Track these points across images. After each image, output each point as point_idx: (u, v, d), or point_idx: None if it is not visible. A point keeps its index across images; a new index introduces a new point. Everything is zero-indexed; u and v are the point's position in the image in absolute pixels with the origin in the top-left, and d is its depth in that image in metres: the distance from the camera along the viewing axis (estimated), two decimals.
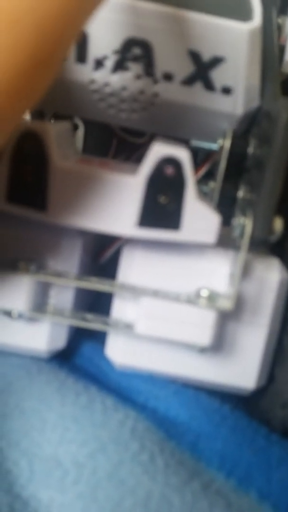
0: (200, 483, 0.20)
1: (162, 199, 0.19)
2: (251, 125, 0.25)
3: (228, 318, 0.24)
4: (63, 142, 0.22)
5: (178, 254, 0.23)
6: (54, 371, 0.26)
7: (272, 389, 0.25)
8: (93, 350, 0.29)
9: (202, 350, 0.24)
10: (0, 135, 0.17)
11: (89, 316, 0.24)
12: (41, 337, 0.25)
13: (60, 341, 0.26)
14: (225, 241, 0.24)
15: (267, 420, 0.25)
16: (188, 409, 0.25)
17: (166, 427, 0.24)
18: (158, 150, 0.18)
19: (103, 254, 0.28)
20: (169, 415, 0.25)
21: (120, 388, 0.26)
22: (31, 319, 0.25)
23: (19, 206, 0.20)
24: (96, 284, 0.22)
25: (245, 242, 0.21)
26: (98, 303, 0.28)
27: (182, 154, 0.19)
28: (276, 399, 0.25)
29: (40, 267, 0.23)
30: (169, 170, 0.18)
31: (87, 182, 0.19)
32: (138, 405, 0.25)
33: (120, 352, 0.25)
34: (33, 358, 0.27)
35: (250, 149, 0.24)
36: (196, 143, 0.24)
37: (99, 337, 0.29)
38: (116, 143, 0.31)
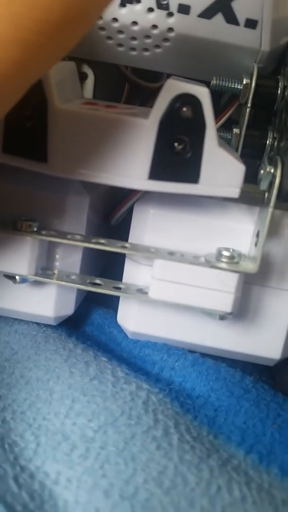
0: (217, 460, 0.20)
1: (178, 146, 0.17)
2: (280, 63, 0.23)
3: (252, 282, 0.23)
4: (65, 83, 0.20)
5: (197, 210, 0.22)
6: (62, 339, 0.25)
7: None
8: (104, 317, 0.28)
9: (223, 317, 0.23)
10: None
11: (98, 280, 0.23)
12: (47, 303, 0.25)
13: (68, 308, 0.25)
14: (250, 196, 0.22)
15: None
16: (207, 380, 0.24)
17: (182, 400, 0.23)
18: (173, 86, 0.17)
19: (113, 215, 0.27)
20: (185, 387, 0.24)
21: (133, 358, 0.26)
22: (36, 284, 0.24)
23: (17, 156, 0.19)
24: (105, 246, 0.21)
25: (273, 195, 0.19)
26: (110, 270, 0.27)
27: (201, 91, 0.17)
28: None
29: (44, 227, 0.22)
30: (186, 110, 0.17)
31: (91, 127, 0.18)
32: (151, 376, 0.24)
33: (132, 319, 0.25)
34: (40, 326, 0.26)
35: (280, 90, 0.22)
36: (217, 84, 0.22)
37: (111, 304, 0.29)
38: (129, 89, 0.30)
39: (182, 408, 0.22)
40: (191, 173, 0.18)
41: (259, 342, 0.24)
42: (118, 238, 0.23)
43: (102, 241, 0.22)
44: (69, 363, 0.23)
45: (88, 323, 0.28)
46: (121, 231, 0.25)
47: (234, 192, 0.19)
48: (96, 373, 0.23)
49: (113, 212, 0.27)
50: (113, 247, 0.21)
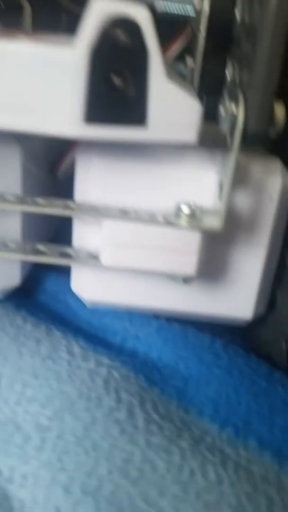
0: (189, 439, 0.18)
1: (117, 81, 0.14)
2: None
3: (218, 239, 0.20)
4: None
5: (148, 160, 0.19)
6: (8, 315, 0.22)
7: (273, 318, 0.23)
8: (58, 283, 0.26)
9: (187, 281, 0.20)
10: None
11: (42, 246, 0.20)
12: None
13: (13, 278, 0.23)
14: (210, 140, 0.19)
15: (268, 355, 0.23)
16: (174, 348, 0.22)
17: (147, 372, 0.21)
18: (102, 8, 0.13)
19: (59, 166, 0.24)
20: (151, 357, 0.22)
21: (93, 329, 0.23)
22: None
23: None
24: (43, 207, 0.18)
25: (237, 137, 0.17)
26: (63, 234, 0.24)
27: (139, 13, 0.14)
28: (278, 329, 0.22)
29: None
30: (122, 37, 0.14)
31: (7, 63, 0.14)
32: (114, 347, 0.22)
33: (87, 286, 0.22)
34: None
35: (238, 13, 0.19)
36: (165, 7, 0.19)
37: (65, 268, 0.26)
38: (66, 19, 0.26)
39: (148, 382, 0.20)
40: (135, 115, 0.15)
41: (229, 302, 0.22)
42: (70, 194, 0.20)
43: (40, 201, 0.18)
44: (18, 342, 0.21)
45: (40, 291, 0.26)
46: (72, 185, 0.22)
47: (190, 136, 0.16)
48: (49, 351, 0.20)
49: (58, 162, 0.24)
50: (54, 208, 0.18)
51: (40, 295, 0.26)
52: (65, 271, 0.25)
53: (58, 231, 0.27)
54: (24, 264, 0.23)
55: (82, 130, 0.15)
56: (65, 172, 0.25)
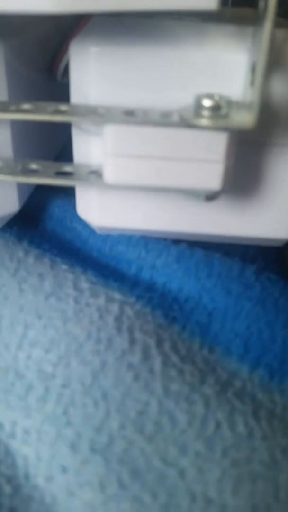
0: (214, 385, 0.15)
1: None
2: None
3: (249, 142, 0.16)
4: None
5: (160, 40, 0.15)
6: (9, 246, 0.20)
7: None
8: (65, 208, 0.22)
9: (210, 198, 0.17)
10: None
11: (34, 164, 0.16)
12: None
13: (10, 203, 0.20)
14: (238, 17, 0.15)
15: None
16: (197, 278, 0.19)
17: (166, 307, 0.18)
18: None
19: (56, 65, 0.20)
20: (170, 289, 0.19)
21: (104, 258, 0.20)
22: None
23: None
24: (29, 113, 0.14)
25: (271, 10, 0.12)
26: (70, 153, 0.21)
27: None
28: None
29: None
30: None
31: None
32: (128, 279, 0.19)
33: (94, 210, 0.19)
34: None
35: None
36: None
37: (73, 192, 0.23)
38: None
39: (167, 318, 0.18)
40: None
41: (262, 221, 0.19)
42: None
43: (26, 106, 0.15)
44: (19, 278, 0.18)
45: (48, 217, 0.23)
46: None
47: (210, 2, 0.12)
48: (53, 287, 0.18)
49: (55, 61, 0.20)
50: (41, 114, 0.15)
51: (46, 223, 0.23)
52: (72, 195, 0.22)
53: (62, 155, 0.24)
54: (22, 187, 0.20)
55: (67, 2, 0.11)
56: (62, 72, 0.21)
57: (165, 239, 0.20)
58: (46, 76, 0.22)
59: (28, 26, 0.20)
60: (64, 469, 0.14)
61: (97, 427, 0.14)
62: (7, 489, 0.14)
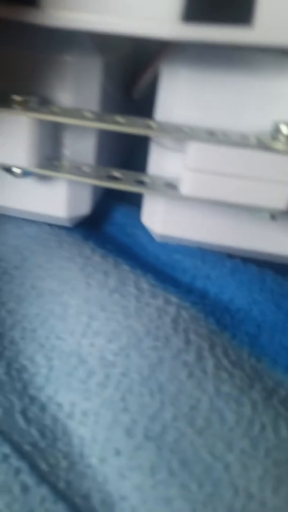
0: (261, 391, 0.17)
1: None
2: None
3: None
4: None
5: (245, 70, 0.16)
6: (77, 244, 0.21)
7: None
8: (127, 216, 0.24)
9: (274, 217, 0.18)
10: None
11: (117, 173, 0.18)
12: (59, 201, 0.21)
13: (84, 206, 0.21)
14: None
15: None
16: (249, 291, 0.20)
17: (218, 315, 0.19)
18: None
19: (136, 84, 0.22)
20: (222, 299, 0.20)
21: (160, 265, 0.22)
22: (44, 178, 0.20)
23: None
24: (123, 126, 0.16)
25: None
26: (134, 160, 0.22)
27: None
28: None
29: (45, 103, 0.17)
30: None
31: None
32: (182, 287, 0.21)
33: (160, 219, 0.20)
34: (52, 228, 0.22)
35: None
36: None
37: (135, 200, 0.24)
38: None
39: (219, 325, 0.19)
40: (241, 12, 0.12)
41: None
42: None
43: (120, 119, 0.16)
44: (86, 273, 0.20)
45: (109, 223, 0.24)
46: (149, 110, 0.20)
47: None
48: (117, 285, 0.19)
49: (136, 80, 0.21)
50: (134, 127, 0.16)
51: (108, 228, 0.24)
52: (135, 204, 0.24)
53: (127, 162, 0.25)
54: (95, 192, 0.22)
55: (180, 30, 0.13)
56: (141, 93, 0.23)
57: (220, 253, 0.21)
58: (122, 92, 0.23)
59: (115, 45, 0.22)
60: (117, 452, 0.15)
61: (152, 416, 0.16)
62: (64, 463, 0.15)
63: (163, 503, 0.14)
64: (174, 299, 0.19)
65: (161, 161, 0.19)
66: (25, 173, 0.19)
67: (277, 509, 0.14)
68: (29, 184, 0.20)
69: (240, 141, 0.16)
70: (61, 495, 0.14)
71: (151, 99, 0.20)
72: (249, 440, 0.15)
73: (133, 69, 0.22)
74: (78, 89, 0.18)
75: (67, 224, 0.22)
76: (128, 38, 0.24)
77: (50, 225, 0.22)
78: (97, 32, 0.14)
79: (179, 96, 0.17)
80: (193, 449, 0.15)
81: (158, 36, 0.13)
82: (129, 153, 0.26)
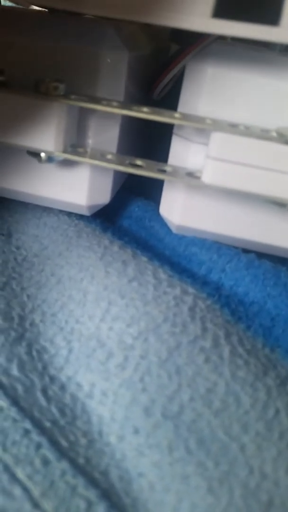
0: (275, 378, 0.17)
1: None
2: None
3: None
4: None
5: (268, 68, 0.17)
6: (96, 234, 0.22)
7: None
8: (144, 209, 0.25)
9: None
10: None
11: (139, 161, 0.19)
12: (80, 188, 0.22)
13: (104, 195, 0.22)
14: None
15: None
16: (263, 285, 0.21)
17: (233, 307, 0.20)
18: None
19: (157, 84, 0.23)
20: (237, 292, 0.21)
21: (177, 257, 0.23)
22: (66, 165, 0.21)
23: None
24: (149, 114, 0.17)
25: None
26: (152, 154, 0.23)
27: None
28: None
29: (73, 92, 0.18)
30: None
31: None
32: (198, 278, 0.22)
33: (178, 210, 0.21)
34: (71, 219, 0.23)
35: None
36: None
37: (151, 195, 0.25)
38: None
39: (233, 316, 0.20)
40: (269, 13, 0.14)
41: None
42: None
43: (145, 109, 0.18)
44: (105, 262, 0.21)
45: (126, 216, 0.25)
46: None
47: None
48: (135, 273, 0.20)
49: (157, 80, 0.23)
50: (160, 116, 0.17)
51: (125, 221, 0.25)
52: (152, 199, 0.25)
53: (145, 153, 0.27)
54: (114, 182, 0.23)
55: (211, 25, 0.14)
56: (162, 93, 0.24)
57: (235, 247, 0.22)
58: (144, 91, 0.25)
59: (140, 44, 0.23)
60: (136, 431, 0.16)
61: (170, 396, 0.16)
62: (83, 441, 0.16)
63: (180, 480, 0.15)
64: (191, 289, 0.20)
65: (183, 153, 0.20)
66: (50, 159, 0.20)
67: None
68: (51, 170, 0.21)
69: (262, 134, 0.17)
70: (80, 470, 0.15)
71: (170, 102, 0.21)
72: (264, 423, 0.16)
73: (154, 69, 0.24)
74: (104, 83, 0.19)
75: (86, 212, 0.23)
76: (151, 38, 0.25)
77: (69, 216, 0.23)
78: (138, 21, 0.15)
79: (203, 92, 0.18)
80: (209, 429, 0.16)
81: (191, 28, 0.15)
82: (149, 149, 0.27)
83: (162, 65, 0.23)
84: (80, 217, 0.23)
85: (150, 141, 0.27)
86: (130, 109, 0.17)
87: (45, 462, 0.15)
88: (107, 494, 0.15)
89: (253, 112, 0.18)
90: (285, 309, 0.20)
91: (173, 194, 0.21)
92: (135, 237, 0.24)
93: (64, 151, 0.19)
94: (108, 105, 0.17)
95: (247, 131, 0.17)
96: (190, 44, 0.20)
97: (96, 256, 0.21)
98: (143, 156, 0.25)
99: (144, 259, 0.21)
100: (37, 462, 0.15)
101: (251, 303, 0.21)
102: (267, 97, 0.18)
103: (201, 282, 0.21)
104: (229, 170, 0.17)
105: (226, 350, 0.18)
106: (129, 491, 0.15)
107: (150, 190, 0.24)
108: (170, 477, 0.15)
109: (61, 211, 0.24)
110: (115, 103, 0.18)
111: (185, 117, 0.18)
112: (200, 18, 0.14)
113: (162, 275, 0.20)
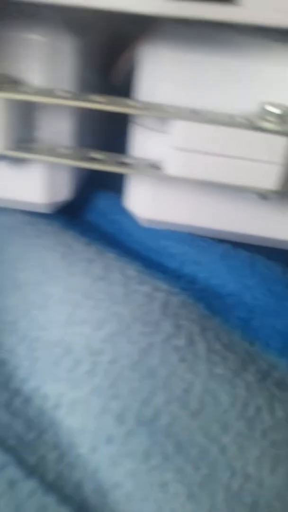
0: (255, 374, 0.17)
1: None
2: None
3: None
4: None
5: (230, 51, 0.16)
6: (57, 233, 0.21)
7: None
8: (110, 202, 0.24)
9: (265, 197, 0.18)
10: None
11: (97, 154, 0.18)
12: (34, 185, 0.20)
13: (63, 191, 0.21)
14: None
15: None
16: (239, 276, 0.20)
17: (208, 301, 0.19)
18: None
19: (116, 68, 0.22)
20: (212, 284, 0.20)
21: (147, 251, 0.22)
22: (19, 161, 0.19)
23: None
24: (103, 104, 0.16)
25: None
26: (112, 145, 0.22)
27: None
28: None
29: (15, 83, 0.17)
30: None
31: None
32: (170, 273, 0.21)
33: (144, 203, 0.20)
34: (30, 217, 0.22)
35: None
36: None
37: (117, 187, 0.24)
38: None
39: (209, 310, 0.19)
40: None
41: None
42: None
43: (98, 98, 0.16)
44: (68, 261, 0.20)
45: (90, 211, 0.24)
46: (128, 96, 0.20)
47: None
48: (101, 272, 0.19)
49: (115, 64, 0.21)
50: (115, 106, 0.16)
51: (90, 215, 0.24)
52: (116, 191, 0.24)
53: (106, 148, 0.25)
54: (75, 177, 0.22)
55: (165, 7, 0.13)
56: (121, 78, 0.23)
57: (209, 238, 0.21)
58: (101, 77, 0.23)
59: (92, 28, 0.22)
60: (109, 440, 0.15)
61: (143, 400, 0.16)
62: (52, 455, 0.15)
63: (158, 488, 0.14)
64: (162, 285, 0.19)
65: (144, 143, 0.19)
66: None
67: (274, 488, 0.14)
68: (2, 169, 0.20)
69: (228, 120, 0.16)
70: (50, 487, 0.14)
71: (131, 87, 0.20)
72: (245, 421, 0.15)
73: (112, 54, 0.22)
74: (48, 70, 0.18)
75: (46, 210, 0.22)
76: (106, 22, 0.24)
77: (26, 214, 0.22)
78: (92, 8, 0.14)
79: (160, 77, 0.17)
80: (187, 432, 0.15)
81: (144, 12, 0.14)
82: (108, 139, 0.26)
83: (123, 47, 0.22)
84: (40, 215, 0.22)
85: (113, 129, 0.25)
86: (81, 99, 0.16)
87: (11, 483, 0.14)
88: (82, 509, 0.14)
89: (215, 97, 0.17)
90: (263, 300, 0.20)
91: (138, 187, 0.20)
92: (102, 233, 0.23)
93: (12, 148, 0.18)
94: (55, 95, 0.16)
95: (212, 118, 0.16)
96: (145, 27, 0.19)
97: (58, 255, 0.20)
98: (107, 146, 0.24)
99: (111, 255, 0.20)
100: (3, 483, 0.14)
101: (228, 295, 0.20)
102: (229, 80, 0.17)
103: (174, 276, 0.21)
104: (195, 160, 0.16)
105: (201, 347, 0.17)
106: (105, 504, 0.14)
107: (115, 183, 0.23)
108: (147, 486, 0.14)
109: (17, 210, 0.22)
110: (63, 94, 0.17)
111: (144, 105, 0.17)
112: (152, 1, 0.13)
113: (131, 272, 0.19)
